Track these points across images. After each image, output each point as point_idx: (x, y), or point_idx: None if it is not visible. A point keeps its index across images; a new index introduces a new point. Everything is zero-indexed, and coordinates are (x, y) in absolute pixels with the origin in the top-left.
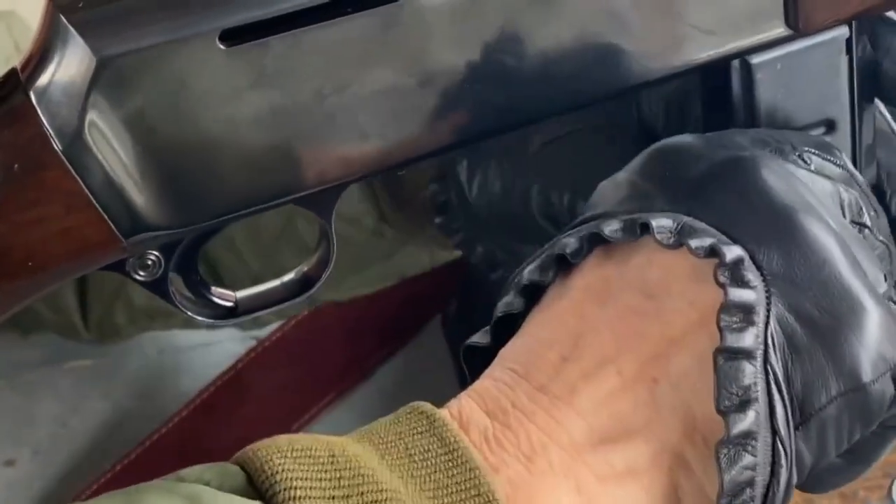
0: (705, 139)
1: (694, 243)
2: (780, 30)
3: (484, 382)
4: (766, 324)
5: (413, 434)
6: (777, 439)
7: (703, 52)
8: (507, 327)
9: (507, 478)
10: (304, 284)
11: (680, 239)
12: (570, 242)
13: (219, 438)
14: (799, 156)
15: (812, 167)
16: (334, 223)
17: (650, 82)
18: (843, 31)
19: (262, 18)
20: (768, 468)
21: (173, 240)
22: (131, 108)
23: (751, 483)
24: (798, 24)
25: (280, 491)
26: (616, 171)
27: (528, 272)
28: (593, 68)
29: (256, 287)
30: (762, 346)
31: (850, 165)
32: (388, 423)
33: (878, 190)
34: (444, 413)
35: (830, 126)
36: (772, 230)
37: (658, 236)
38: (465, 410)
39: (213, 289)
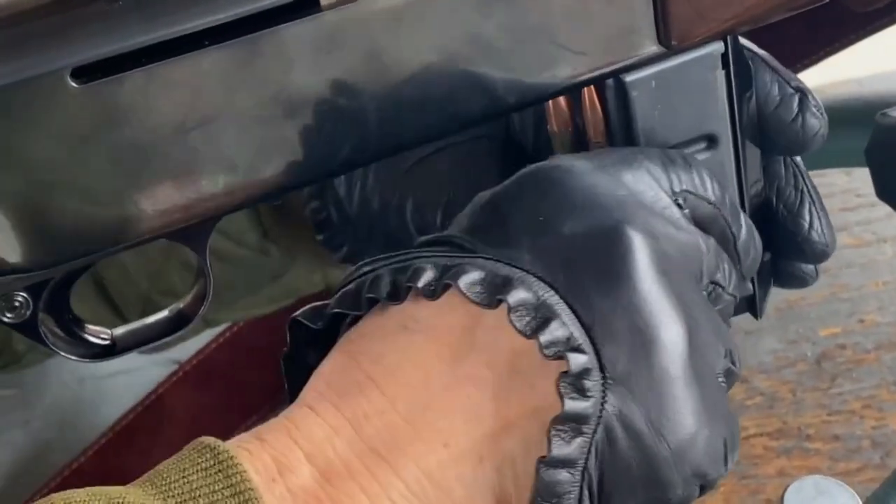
0: (589, 179)
1: (545, 339)
2: (653, 48)
3: (309, 419)
4: (594, 432)
5: (197, 471)
6: None
7: (576, 72)
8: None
9: None
10: (180, 321)
11: (535, 326)
12: (428, 276)
13: (141, 465)
14: (677, 197)
15: (686, 211)
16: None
17: (523, 104)
18: (717, 47)
19: (114, 54)
20: None
21: (39, 280)
22: None
23: None
24: (670, 41)
25: None
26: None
27: (380, 287)
28: (464, 93)
29: (133, 324)
30: (585, 456)
31: (717, 196)
32: (173, 461)
33: (769, 205)
34: (230, 447)
35: (712, 141)
36: (627, 328)
37: (513, 316)
38: (291, 456)
39: (88, 327)
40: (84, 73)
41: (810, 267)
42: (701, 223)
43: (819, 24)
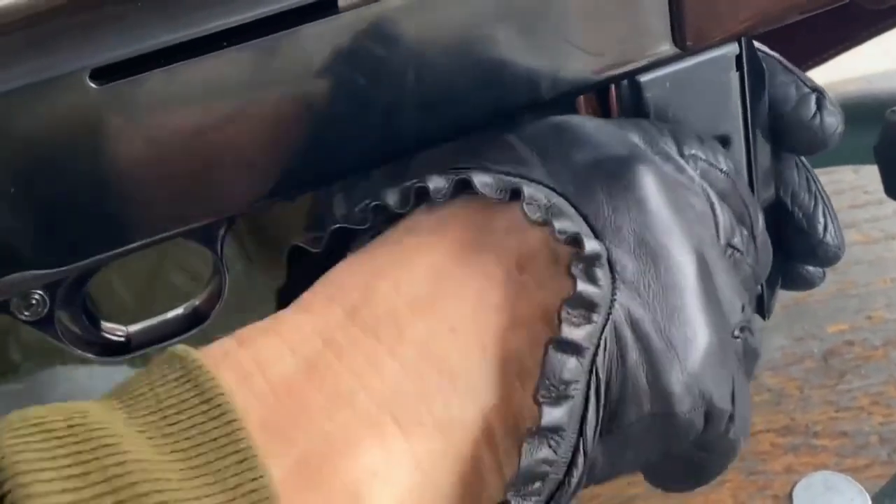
0: (599, 129)
1: (558, 225)
2: (668, 49)
3: (297, 316)
4: (603, 326)
5: (166, 382)
6: (581, 441)
7: (592, 73)
8: (341, 241)
9: (304, 431)
10: (195, 318)
11: (546, 216)
12: (438, 182)
13: None
14: (686, 160)
15: (697, 172)
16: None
17: (536, 105)
18: (732, 48)
19: (133, 55)
20: (564, 468)
21: (56, 278)
22: (3, 151)
23: (544, 477)
24: (685, 42)
25: (7, 477)
26: None
27: (387, 196)
28: (477, 93)
29: (148, 321)
30: (594, 346)
31: (730, 169)
32: (142, 374)
33: (782, 209)
34: (200, 355)
35: (724, 142)
36: (636, 240)
37: (526, 207)
38: (272, 350)
39: (104, 324)
40: (103, 75)
41: (819, 269)
42: (716, 193)
43: (828, 22)
